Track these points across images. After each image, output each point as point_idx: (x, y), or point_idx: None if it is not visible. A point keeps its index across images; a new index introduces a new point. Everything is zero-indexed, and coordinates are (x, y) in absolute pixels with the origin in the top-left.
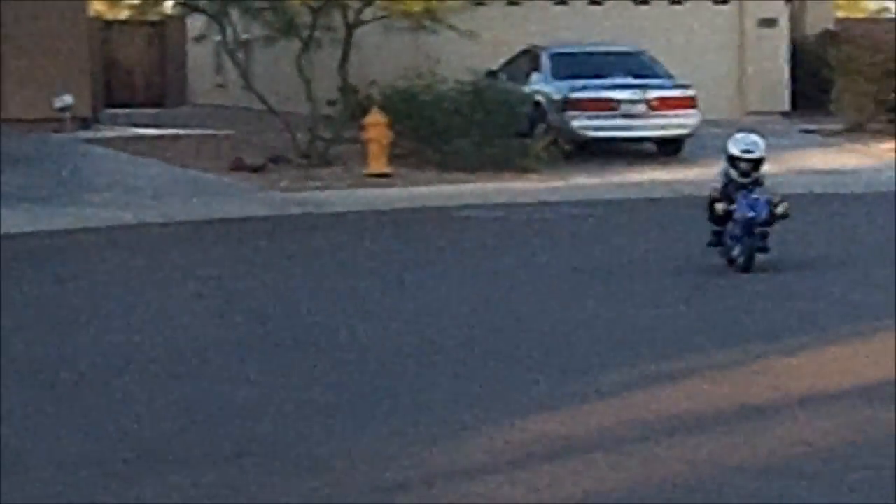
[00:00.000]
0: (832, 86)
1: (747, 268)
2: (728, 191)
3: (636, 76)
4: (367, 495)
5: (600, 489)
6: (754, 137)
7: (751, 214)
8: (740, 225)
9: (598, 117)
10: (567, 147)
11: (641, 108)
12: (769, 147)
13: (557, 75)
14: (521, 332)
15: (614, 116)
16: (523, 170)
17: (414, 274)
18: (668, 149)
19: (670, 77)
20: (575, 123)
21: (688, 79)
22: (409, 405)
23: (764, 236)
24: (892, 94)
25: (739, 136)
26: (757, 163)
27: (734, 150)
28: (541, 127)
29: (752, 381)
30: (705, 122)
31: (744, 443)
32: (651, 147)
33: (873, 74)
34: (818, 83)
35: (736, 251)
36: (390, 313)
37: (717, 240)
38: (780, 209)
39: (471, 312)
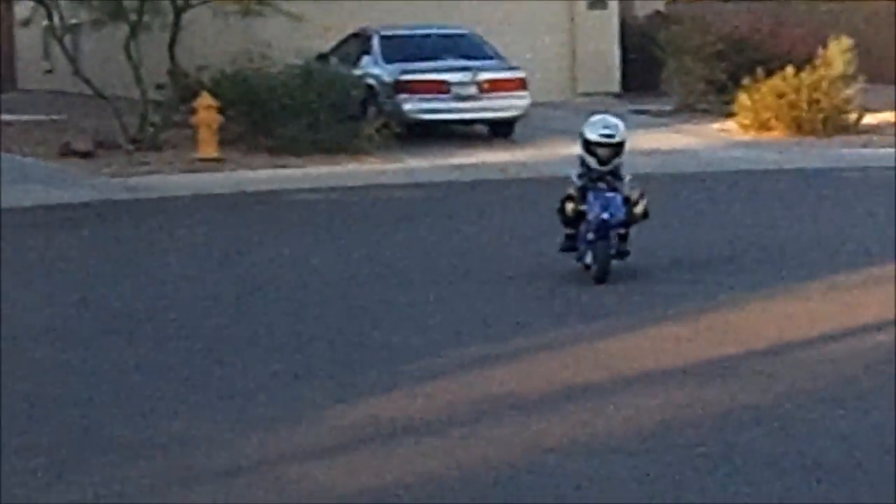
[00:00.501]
0: (662, 67)
1: (602, 278)
2: (584, 185)
3: (467, 58)
4: (199, 479)
5: (431, 470)
6: (613, 119)
7: (605, 216)
8: (593, 227)
9: (429, 100)
10: (399, 130)
11: (472, 90)
12: None
13: (388, 58)
14: (352, 316)
15: (445, 99)
16: (355, 153)
17: (242, 258)
18: (500, 131)
19: (501, 59)
20: (406, 106)
21: (519, 60)
22: (239, 389)
23: (622, 239)
24: (722, 75)
25: (595, 118)
26: (617, 148)
27: (592, 135)
28: (372, 110)
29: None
30: (537, 104)
31: (569, 422)
32: (482, 129)
33: (703, 55)
34: (648, 64)
35: (589, 257)
36: (217, 297)
37: (571, 244)
38: (639, 208)
39: (299, 296)
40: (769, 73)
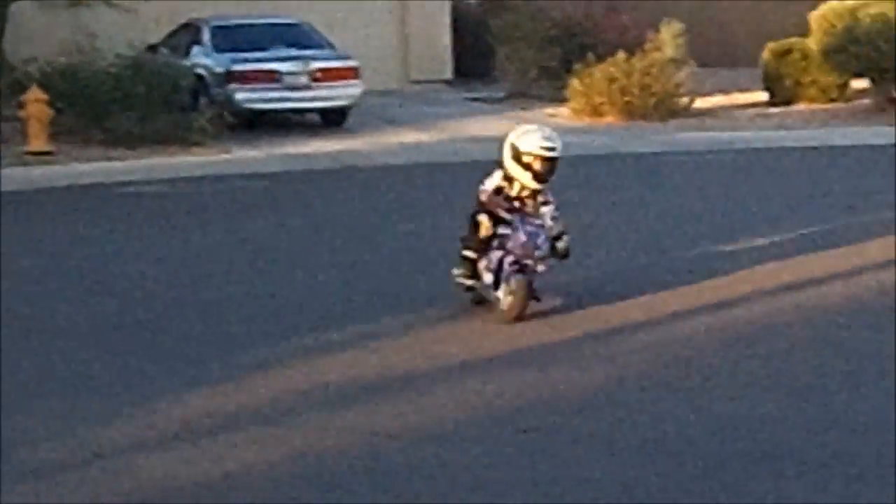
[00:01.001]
0: (494, 53)
1: (520, 316)
2: (497, 205)
3: (298, 47)
4: (24, 475)
5: (268, 459)
6: (549, 130)
7: (531, 246)
8: (513, 258)
9: (260, 89)
10: (231, 120)
11: (304, 79)
12: (436, 117)
13: (218, 48)
14: (186, 307)
15: (277, 88)
16: (188, 144)
17: (73, 251)
18: (332, 120)
19: (332, 48)
20: (238, 96)
21: (350, 49)
22: (72, 382)
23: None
24: (553, 61)
25: (529, 127)
26: (555, 165)
27: (529, 146)
28: (203, 101)
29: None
30: (369, 93)
31: (405, 409)
32: (315, 118)
33: (535, 41)
34: (481, 51)
35: (500, 292)
36: (48, 291)
37: (471, 270)
38: (561, 244)
39: (132, 288)
40: (601, 59)
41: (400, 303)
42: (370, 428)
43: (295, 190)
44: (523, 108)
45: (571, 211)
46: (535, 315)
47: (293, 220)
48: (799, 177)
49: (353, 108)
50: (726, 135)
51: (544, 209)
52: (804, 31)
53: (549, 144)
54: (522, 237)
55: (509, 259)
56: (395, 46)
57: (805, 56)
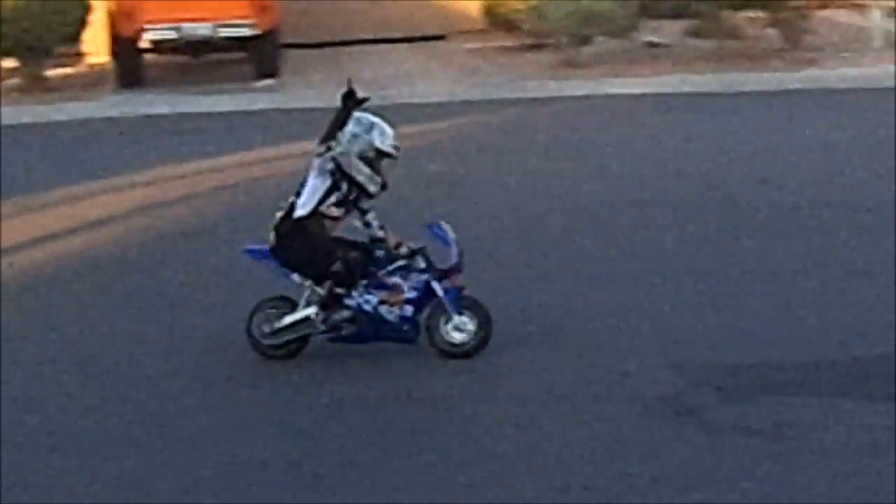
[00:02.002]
0: None
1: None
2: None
3: None
4: None
5: None
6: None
7: (410, 309)
8: (416, 288)
9: None
10: None
11: None
12: None
13: None
14: None
15: None
16: None
17: None
18: None
19: None
20: None
21: None
22: None
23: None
24: None
25: (371, 118)
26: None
27: (384, 145)
28: None
29: None
30: None
31: None
32: None
33: None
34: None
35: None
36: None
37: (331, 321)
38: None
39: None
40: None
41: None
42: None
43: None
44: None
45: None
46: None
47: None
48: None
49: None
50: None
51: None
52: None
53: (397, 142)
54: (409, 290)
55: (374, 316)
56: None
57: None
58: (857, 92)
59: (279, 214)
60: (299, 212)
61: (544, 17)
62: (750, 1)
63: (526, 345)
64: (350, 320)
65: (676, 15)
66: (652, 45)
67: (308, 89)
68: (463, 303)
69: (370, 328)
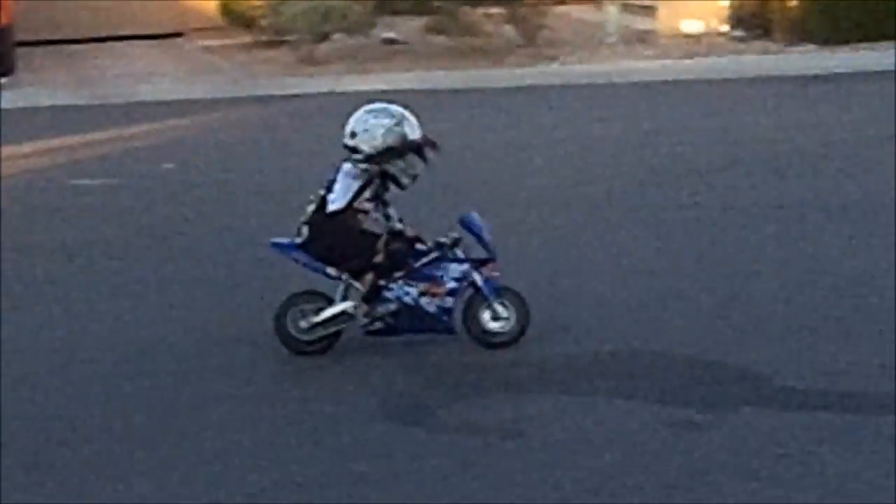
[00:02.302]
0: None
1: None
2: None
3: None
4: None
5: None
6: None
7: (450, 300)
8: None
9: None
10: None
11: None
12: None
13: None
14: None
15: None
16: None
17: None
18: None
19: None
20: None
21: None
22: None
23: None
24: None
25: (398, 109)
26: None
27: (415, 135)
28: None
29: None
30: None
31: None
32: None
33: None
34: None
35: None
36: None
37: (375, 313)
38: None
39: None
40: None
41: None
42: None
43: None
44: None
45: None
46: None
47: None
48: None
49: None
50: None
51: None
52: None
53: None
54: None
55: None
56: None
57: None
58: (594, 87)
59: (310, 208)
60: (333, 206)
61: (281, 14)
62: None
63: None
64: (394, 313)
65: (414, 11)
66: (390, 41)
67: (44, 88)
68: (500, 292)
69: (410, 320)
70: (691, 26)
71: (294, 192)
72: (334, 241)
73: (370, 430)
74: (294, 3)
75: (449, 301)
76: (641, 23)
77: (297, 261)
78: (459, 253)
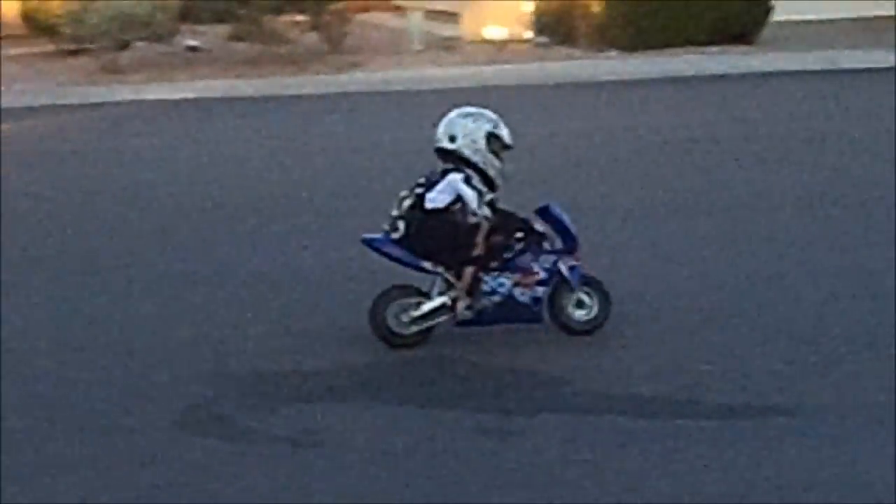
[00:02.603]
0: None
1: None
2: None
3: None
4: None
5: None
6: None
7: (540, 290)
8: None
9: None
10: None
11: None
12: None
13: None
14: None
15: None
16: None
17: None
18: None
19: None
20: None
21: None
22: None
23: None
24: None
25: (489, 112)
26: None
27: (505, 134)
28: None
29: None
30: None
31: None
32: None
33: None
34: None
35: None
36: None
37: (478, 306)
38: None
39: None
40: None
41: None
42: None
43: None
44: None
45: None
46: None
47: None
48: None
49: None
50: None
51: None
52: None
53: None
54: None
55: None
56: None
57: None
58: (397, 94)
59: (406, 204)
60: (432, 205)
61: (83, 22)
62: (290, 4)
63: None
64: (498, 304)
65: (218, 19)
66: (193, 49)
67: None
68: (584, 281)
69: (502, 311)
70: (495, 33)
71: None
72: (434, 236)
73: (164, 440)
74: (96, 11)
75: (539, 291)
76: (445, 29)
77: (389, 255)
78: (546, 244)
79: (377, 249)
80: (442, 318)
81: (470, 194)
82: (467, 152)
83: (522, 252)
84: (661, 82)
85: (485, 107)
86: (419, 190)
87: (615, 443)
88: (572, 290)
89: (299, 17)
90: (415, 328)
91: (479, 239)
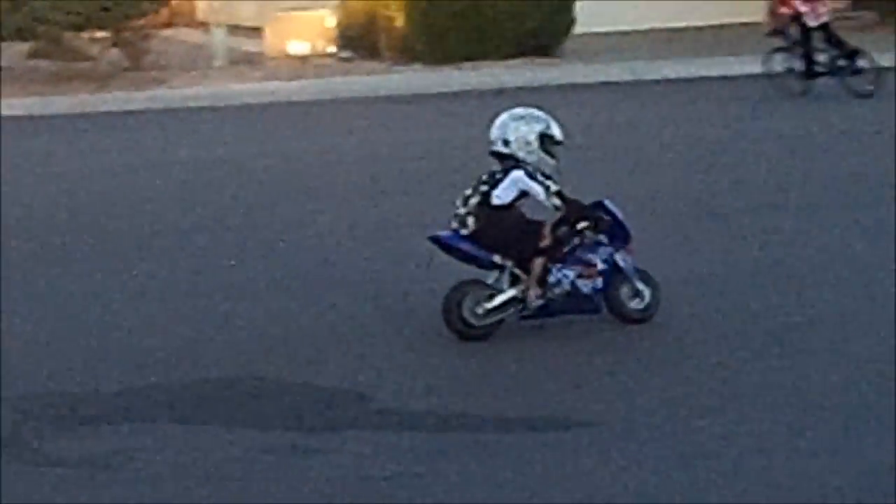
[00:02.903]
0: None
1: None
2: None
3: None
4: None
5: None
6: None
7: (601, 281)
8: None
9: None
10: None
11: None
12: None
13: None
14: None
15: None
16: None
17: None
18: None
19: None
20: None
21: None
22: None
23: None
24: None
25: (539, 112)
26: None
27: (558, 132)
28: None
29: None
30: None
31: None
32: None
33: None
34: None
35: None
36: None
37: (549, 297)
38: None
39: None
40: None
41: None
42: None
43: None
44: None
45: None
46: None
47: None
48: None
49: None
50: None
51: None
52: None
53: None
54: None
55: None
56: None
57: None
58: (200, 110)
59: (474, 201)
60: (498, 202)
61: None
62: (91, 21)
63: None
64: (567, 295)
65: (18, 37)
66: None
67: None
68: (639, 272)
69: (567, 302)
70: (298, 48)
71: None
72: (502, 230)
73: None
74: None
75: (600, 282)
76: (249, 45)
77: (459, 250)
78: (603, 237)
79: (448, 246)
80: (512, 310)
81: (536, 188)
82: (521, 154)
83: (581, 245)
84: (462, 95)
85: (284, 123)
86: (483, 188)
87: (421, 459)
88: (629, 281)
89: (101, 34)
90: (488, 321)
91: (546, 231)
